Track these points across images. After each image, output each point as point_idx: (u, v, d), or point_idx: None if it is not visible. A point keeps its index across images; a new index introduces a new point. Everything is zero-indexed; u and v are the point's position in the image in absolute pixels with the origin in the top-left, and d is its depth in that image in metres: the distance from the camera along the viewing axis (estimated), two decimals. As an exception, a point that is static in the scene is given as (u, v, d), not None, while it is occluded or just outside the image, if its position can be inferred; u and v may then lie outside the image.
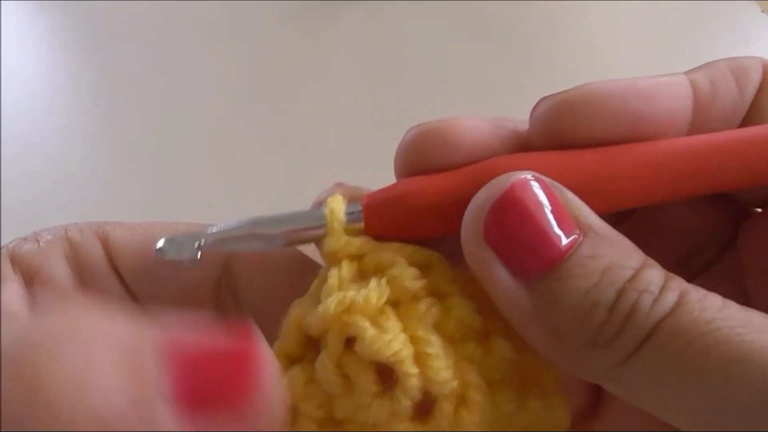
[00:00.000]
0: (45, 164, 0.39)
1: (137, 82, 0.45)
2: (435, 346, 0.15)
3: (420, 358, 0.15)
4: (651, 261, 0.14)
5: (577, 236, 0.14)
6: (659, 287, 0.14)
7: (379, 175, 0.42)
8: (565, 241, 0.14)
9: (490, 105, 0.43)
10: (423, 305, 0.15)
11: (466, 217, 0.15)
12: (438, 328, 0.15)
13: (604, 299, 0.13)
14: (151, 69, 0.46)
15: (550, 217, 0.14)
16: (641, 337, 0.13)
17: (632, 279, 0.14)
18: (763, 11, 0.50)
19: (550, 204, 0.14)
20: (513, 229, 0.14)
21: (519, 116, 0.40)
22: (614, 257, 0.14)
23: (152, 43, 0.48)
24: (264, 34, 0.50)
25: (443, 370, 0.14)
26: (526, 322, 0.14)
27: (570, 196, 0.14)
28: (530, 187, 0.14)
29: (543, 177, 0.14)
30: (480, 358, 0.15)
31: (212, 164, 0.39)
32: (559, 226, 0.14)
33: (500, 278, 0.14)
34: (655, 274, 0.14)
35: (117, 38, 0.49)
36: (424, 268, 0.16)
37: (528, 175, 0.14)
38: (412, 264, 0.16)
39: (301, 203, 0.39)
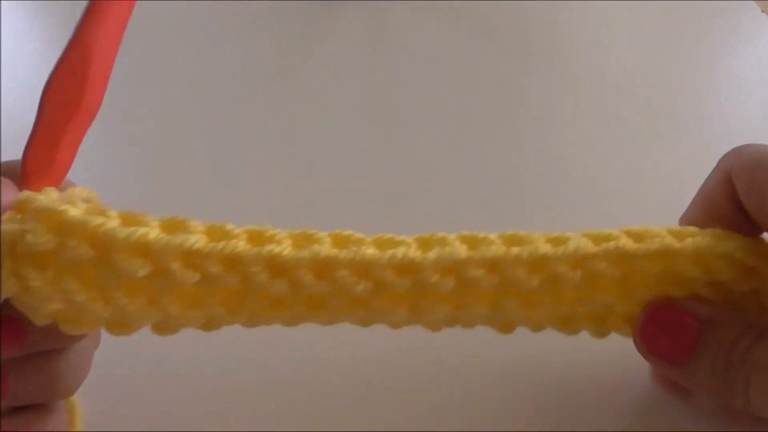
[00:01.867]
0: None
1: (136, 82, 0.45)
2: None
3: None
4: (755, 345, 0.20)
5: (697, 328, 0.21)
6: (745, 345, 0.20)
7: (379, 174, 0.42)
8: (691, 335, 0.21)
9: (490, 105, 0.43)
10: None
11: (633, 339, 0.23)
12: None
13: (719, 375, 0.20)
14: (150, 68, 0.46)
15: (675, 324, 0.22)
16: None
17: (739, 359, 0.20)
18: (763, 11, 0.50)
19: (673, 316, 0.22)
20: (657, 340, 0.22)
21: (518, 116, 0.40)
22: (720, 342, 0.21)
23: (152, 43, 0.48)
24: (264, 34, 0.50)
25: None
26: (690, 387, 0.22)
27: (689, 303, 0.22)
28: (657, 312, 0.22)
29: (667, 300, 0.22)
30: None
31: (212, 163, 0.39)
32: (683, 327, 0.22)
33: (665, 368, 0.22)
34: (759, 352, 0.20)
35: (117, 38, 0.49)
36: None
37: (655, 301, 0.23)
38: None
39: (301, 202, 0.39)
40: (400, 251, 0.20)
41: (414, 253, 0.21)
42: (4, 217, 0.18)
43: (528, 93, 0.44)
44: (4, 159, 0.39)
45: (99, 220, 0.18)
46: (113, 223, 0.19)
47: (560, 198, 0.37)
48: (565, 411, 0.27)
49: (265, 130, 0.42)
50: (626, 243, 0.22)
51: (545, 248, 0.21)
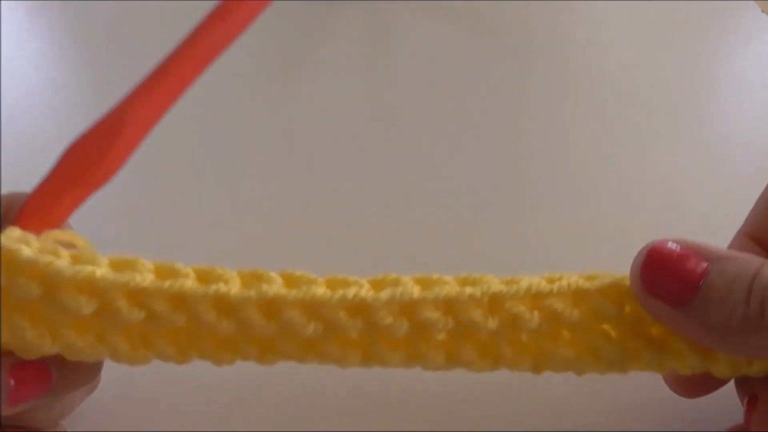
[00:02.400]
0: (45, 164, 0.39)
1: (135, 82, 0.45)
2: None
3: None
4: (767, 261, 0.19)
5: (706, 265, 0.20)
6: None
7: (378, 174, 0.42)
8: (698, 270, 0.20)
9: (490, 105, 0.43)
10: None
11: (630, 280, 0.21)
12: None
13: (738, 298, 0.19)
14: (150, 68, 0.46)
15: (683, 259, 0.20)
16: None
17: (755, 278, 0.19)
18: (763, 11, 0.50)
19: (680, 250, 0.20)
20: (659, 278, 0.20)
21: (518, 116, 0.40)
22: (737, 268, 0.19)
23: (152, 43, 0.48)
24: (264, 34, 0.50)
25: None
26: (694, 334, 0.20)
27: (693, 240, 0.21)
28: (662, 245, 0.21)
29: (672, 239, 0.21)
30: None
31: (211, 163, 0.39)
32: (690, 262, 0.20)
33: (666, 313, 0.20)
34: None
35: (117, 38, 0.49)
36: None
37: (659, 240, 0.21)
38: None
39: (300, 202, 0.39)
40: (351, 291, 0.20)
41: (366, 293, 0.20)
42: None
43: (528, 93, 0.44)
44: (3, 159, 0.39)
45: (48, 258, 0.19)
46: (62, 262, 0.19)
47: (560, 198, 0.37)
48: (566, 411, 0.27)
49: (265, 129, 0.42)
50: (578, 280, 0.21)
51: (499, 287, 0.21)
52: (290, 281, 0.21)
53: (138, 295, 0.19)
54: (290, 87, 0.45)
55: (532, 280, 0.22)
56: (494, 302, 0.21)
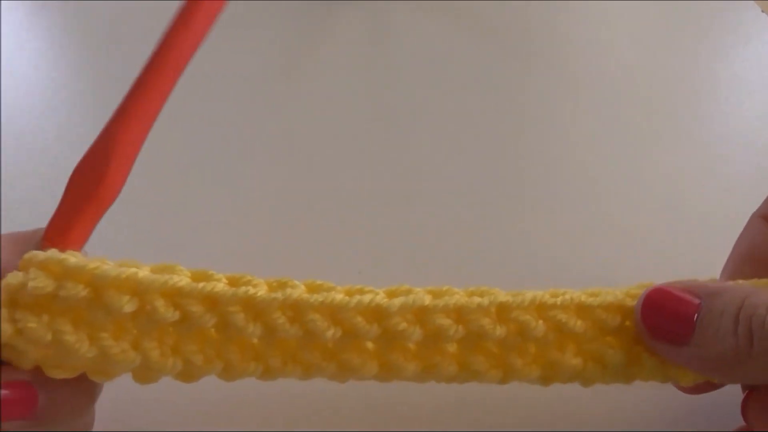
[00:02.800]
0: (45, 164, 0.39)
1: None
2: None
3: None
4: (753, 290, 0.20)
5: (698, 302, 0.21)
6: (765, 304, 0.20)
7: (378, 174, 0.42)
8: (691, 309, 0.21)
9: (489, 105, 0.43)
10: None
11: (636, 326, 0.22)
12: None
13: (728, 331, 0.20)
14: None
15: (677, 300, 0.21)
16: None
17: (740, 309, 0.20)
18: (763, 11, 0.50)
19: (674, 292, 0.21)
20: (658, 321, 0.22)
21: (518, 116, 0.40)
22: (725, 301, 0.20)
23: (152, 43, 0.48)
24: (264, 34, 0.50)
25: None
26: (698, 369, 0.21)
27: (684, 281, 0.22)
28: (656, 290, 0.22)
29: (666, 283, 0.22)
30: None
31: (212, 163, 0.39)
32: (683, 302, 0.21)
33: (672, 352, 0.21)
34: (758, 298, 0.20)
35: (117, 38, 0.49)
36: None
37: (654, 286, 0.22)
38: None
39: (299, 202, 0.39)
40: (368, 297, 0.22)
41: (381, 299, 0.22)
42: (11, 274, 0.20)
43: (528, 93, 0.44)
44: (3, 159, 0.39)
45: (95, 263, 0.20)
46: (109, 265, 0.21)
47: (560, 198, 0.37)
48: (566, 411, 0.27)
49: (265, 129, 0.42)
50: (581, 295, 0.23)
51: (505, 297, 0.22)
52: (312, 288, 0.22)
53: (174, 296, 0.21)
54: (290, 87, 0.45)
55: (537, 293, 0.23)
56: (501, 311, 0.22)
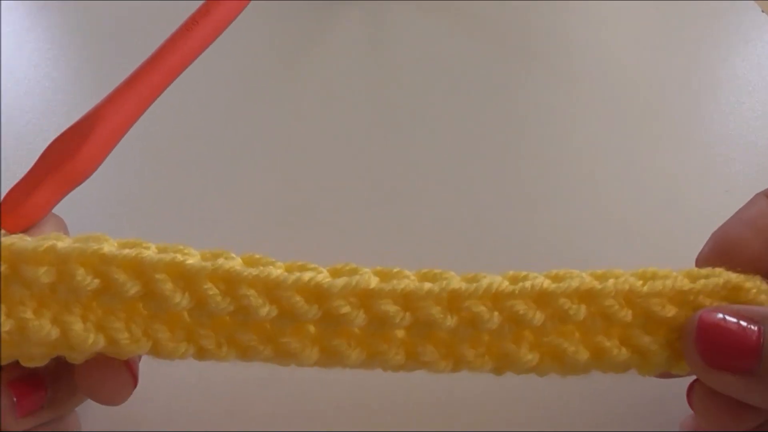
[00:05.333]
0: (45, 164, 0.39)
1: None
2: None
3: None
4: None
5: (759, 328, 0.19)
6: None
7: (378, 174, 0.42)
8: (754, 335, 0.19)
9: (490, 105, 0.43)
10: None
11: (686, 357, 0.21)
12: None
13: None
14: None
15: (734, 325, 0.20)
16: None
17: None
18: (763, 11, 0.50)
19: (729, 316, 0.20)
20: (718, 350, 0.20)
21: (518, 116, 0.40)
22: None
23: (152, 43, 0.48)
24: (264, 34, 0.50)
25: None
26: (762, 400, 0.20)
27: (740, 307, 0.20)
28: (710, 317, 0.20)
29: (713, 308, 0.20)
30: None
31: (211, 163, 0.39)
32: (743, 328, 0.20)
33: (733, 383, 0.20)
34: None
35: (117, 38, 0.49)
36: None
37: (704, 312, 0.20)
38: None
39: (299, 203, 0.39)
40: (308, 275, 0.20)
41: (323, 278, 0.20)
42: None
43: (528, 93, 0.44)
44: (3, 159, 0.39)
45: (10, 239, 0.20)
46: (26, 241, 0.20)
47: (559, 198, 0.37)
48: (566, 411, 0.27)
49: (265, 129, 0.42)
50: (543, 281, 0.21)
51: (459, 284, 0.21)
52: (250, 262, 0.21)
53: (96, 264, 0.20)
54: (290, 86, 0.45)
55: (495, 279, 0.21)
56: (453, 299, 0.21)
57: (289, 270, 0.21)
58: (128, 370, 0.21)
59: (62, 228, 0.23)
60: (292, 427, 0.26)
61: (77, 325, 0.20)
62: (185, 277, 0.20)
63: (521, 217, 0.36)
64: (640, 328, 0.22)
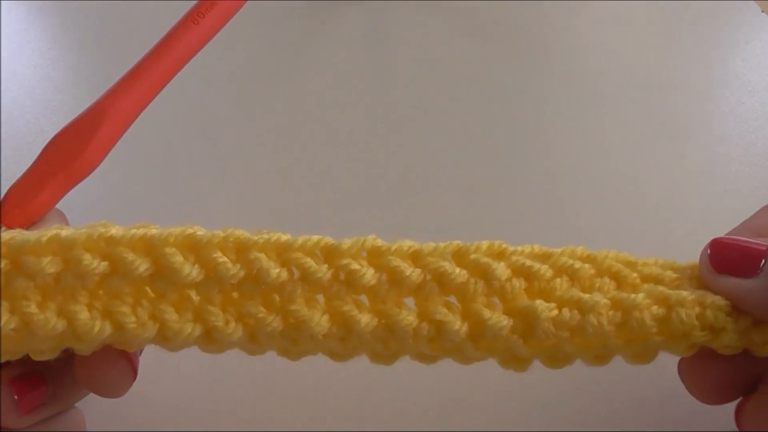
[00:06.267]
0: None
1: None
2: None
3: None
4: None
5: (765, 247, 0.22)
6: None
7: (378, 174, 0.42)
8: (761, 248, 0.22)
9: (490, 105, 0.43)
10: None
11: (700, 269, 0.23)
12: None
13: None
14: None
15: (745, 241, 0.22)
16: None
17: None
18: (763, 11, 0.50)
19: (740, 239, 0.22)
20: (727, 255, 0.22)
21: (518, 116, 0.40)
22: None
23: (152, 43, 0.48)
24: (264, 34, 0.50)
25: None
26: (763, 300, 0.21)
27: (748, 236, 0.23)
28: (724, 239, 0.23)
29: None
30: None
31: (211, 163, 0.39)
32: (752, 242, 0.22)
33: (736, 286, 0.22)
34: None
35: (117, 38, 0.49)
36: None
37: (717, 238, 0.23)
38: None
39: (298, 203, 0.39)
40: (316, 237, 0.22)
41: (329, 240, 0.22)
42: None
43: (527, 93, 0.44)
44: (4, 159, 0.39)
45: (9, 234, 0.19)
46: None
47: (560, 198, 0.37)
48: (566, 411, 0.27)
49: (265, 128, 0.42)
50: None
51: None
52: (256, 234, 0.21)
53: (103, 247, 0.20)
54: (290, 86, 0.45)
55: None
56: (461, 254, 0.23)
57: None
58: (128, 361, 0.21)
59: (64, 221, 0.23)
60: (293, 428, 0.26)
61: (83, 314, 0.19)
62: (195, 249, 0.20)
63: (521, 217, 0.36)
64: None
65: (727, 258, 0.22)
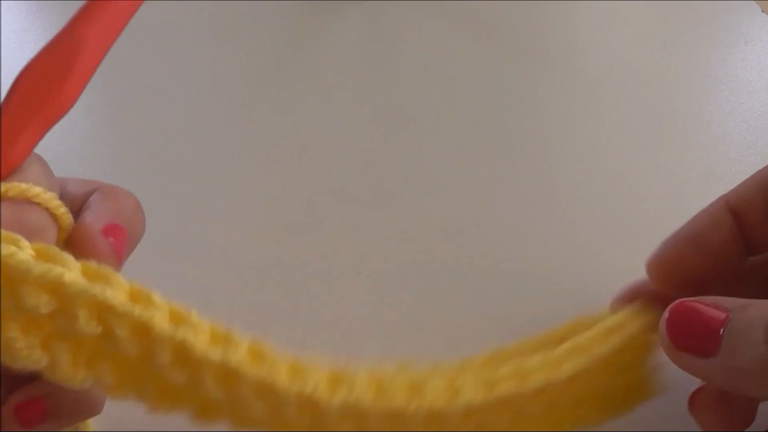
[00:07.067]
0: (45, 164, 0.39)
1: (137, 82, 0.45)
2: None
3: None
4: None
5: (726, 315, 0.20)
6: None
7: (378, 174, 0.42)
8: (720, 321, 0.20)
9: (490, 106, 0.43)
10: None
11: (660, 340, 0.22)
12: None
13: (758, 339, 0.19)
14: (150, 68, 0.46)
15: (702, 314, 0.21)
16: None
17: None
18: (763, 11, 0.50)
19: (699, 307, 0.21)
20: (685, 332, 0.21)
21: (518, 116, 0.40)
22: (756, 312, 0.20)
23: (152, 43, 0.48)
24: (264, 34, 0.50)
25: None
26: (727, 383, 0.21)
27: (711, 298, 0.21)
28: (683, 303, 0.22)
29: (691, 299, 0.22)
30: None
31: (212, 164, 0.39)
32: (711, 313, 0.21)
33: (696, 365, 0.21)
34: None
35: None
36: None
37: (679, 300, 0.22)
38: None
39: (299, 202, 0.39)
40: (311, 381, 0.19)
41: (321, 393, 0.19)
42: None
43: (527, 93, 0.44)
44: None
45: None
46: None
47: (559, 198, 0.37)
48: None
49: (265, 129, 0.42)
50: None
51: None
52: (256, 355, 0.19)
53: (102, 310, 0.18)
54: (290, 86, 0.45)
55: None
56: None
57: (294, 373, 0.19)
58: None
59: (45, 167, 0.21)
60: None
61: (65, 357, 0.18)
62: (190, 363, 0.19)
63: (521, 216, 0.36)
64: None
65: (685, 335, 0.21)
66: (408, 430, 0.20)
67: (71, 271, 0.18)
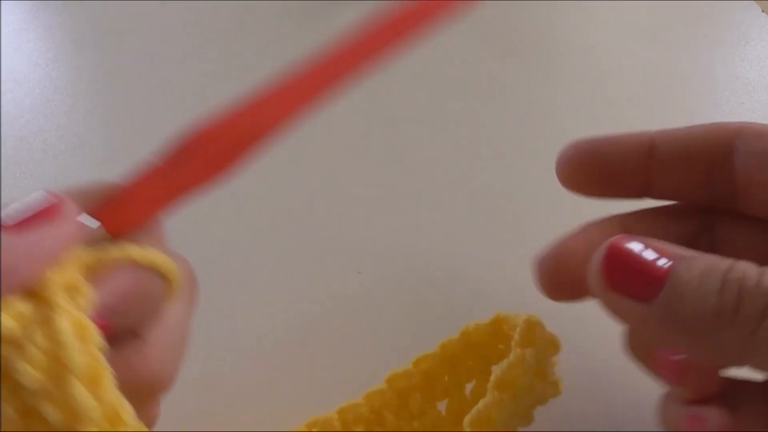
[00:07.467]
0: (45, 164, 0.39)
1: (137, 82, 0.45)
2: None
3: None
4: (739, 261, 0.18)
5: (671, 263, 0.19)
6: (756, 270, 0.18)
7: (378, 174, 0.42)
8: (664, 265, 0.19)
9: (490, 105, 0.43)
10: None
11: (590, 278, 0.20)
12: None
13: (710, 290, 0.18)
14: (150, 69, 0.46)
15: (645, 255, 0.19)
16: (762, 306, 0.17)
17: (729, 270, 0.18)
18: (763, 11, 0.50)
19: (642, 247, 0.19)
20: (622, 272, 0.19)
21: (518, 115, 0.40)
22: (708, 262, 0.18)
23: (152, 43, 0.48)
24: (264, 34, 0.50)
25: None
26: (660, 331, 0.19)
27: (655, 240, 0.19)
28: (624, 240, 0.19)
29: (634, 237, 0.20)
30: None
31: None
32: (655, 257, 0.19)
33: (629, 308, 0.19)
34: (747, 264, 0.18)
35: (117, 38, 0.49)
36: None
37: (619, 236, 0.20)
38: None
39: (299, 202, 0.39)
40: None
41: None
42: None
43: (527, 93, 0.44)
44: (4, 159, 0.39)
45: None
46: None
47: (559, 198, 0.37)
48: (565, 410, 0.27)
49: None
50: None
51: None
52: None
53: None
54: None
55: None
56: None
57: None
58: None
59: (163, 239, 0.20)
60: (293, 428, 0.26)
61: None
62: None
63: (521, 216, 0.36)
64: None
65: (622, 277, 0.19)
66: None
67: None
